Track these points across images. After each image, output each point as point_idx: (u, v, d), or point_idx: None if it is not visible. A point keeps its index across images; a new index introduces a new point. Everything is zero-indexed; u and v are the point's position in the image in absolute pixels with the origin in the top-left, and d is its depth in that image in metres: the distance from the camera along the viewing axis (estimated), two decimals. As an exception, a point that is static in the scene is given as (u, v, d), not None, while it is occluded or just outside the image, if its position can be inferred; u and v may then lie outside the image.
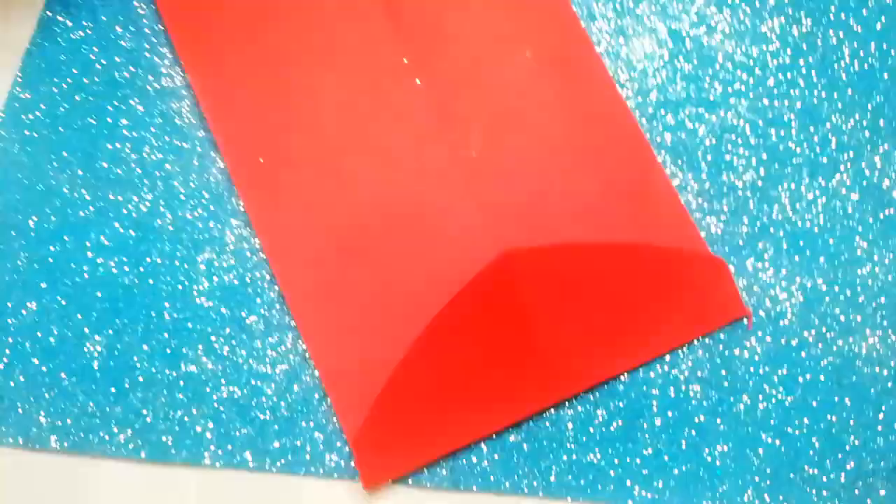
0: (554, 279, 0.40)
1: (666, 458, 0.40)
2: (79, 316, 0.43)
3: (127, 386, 0.42)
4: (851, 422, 0.41)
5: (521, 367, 0.40)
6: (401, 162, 0.44)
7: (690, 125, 0.46)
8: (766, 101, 0.46)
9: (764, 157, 0.45)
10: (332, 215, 0.43)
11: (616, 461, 0.40)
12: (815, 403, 0.41)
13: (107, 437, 0.41)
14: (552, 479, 0.40)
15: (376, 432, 0.39)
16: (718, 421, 0.41)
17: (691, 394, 0.41)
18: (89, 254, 0.44)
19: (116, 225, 0.44)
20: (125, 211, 0.44)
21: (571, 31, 0.46)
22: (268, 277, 0.43)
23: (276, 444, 0.41)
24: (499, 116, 0.45)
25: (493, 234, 0.42)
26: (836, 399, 0.41)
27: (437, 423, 0.40)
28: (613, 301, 0.41)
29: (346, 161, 0.44)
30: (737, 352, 0.42)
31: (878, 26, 0.47)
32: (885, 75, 0.46)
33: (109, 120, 0.46)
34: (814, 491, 0.40)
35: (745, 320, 0.42)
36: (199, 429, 0.41)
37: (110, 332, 0.42)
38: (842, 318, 0.42)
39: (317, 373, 0.42)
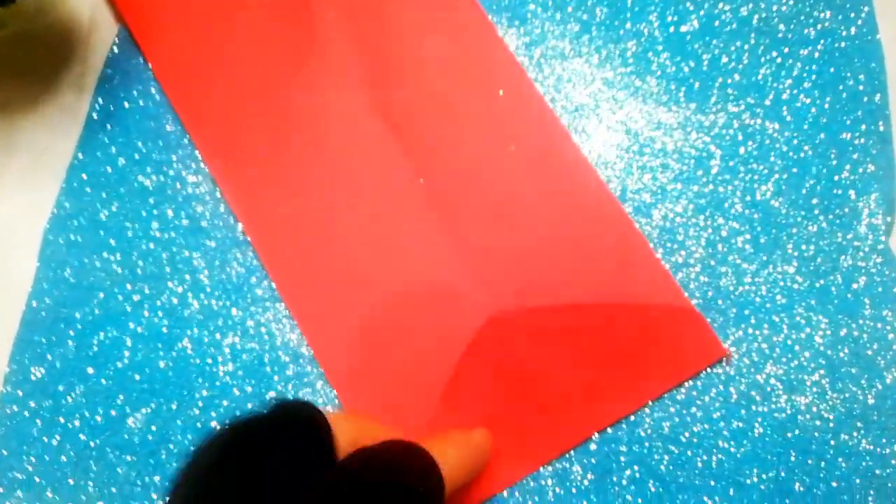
0: (548, 337, 0.47)
1: (634, 507, 0.46)
2: (121, 397, 0.49)
3: (163, 457, 0.48)
4: (797, 471, 0.47)
5: (528, 421, 0.47)
6: (410, 253, 0.50)
7: (646, 210, 0.52)
8: (711, 187, 0.53)
9: (712, 238, 0.52)
10: (357, 303, 0.49)
11: (591, 512, 0.46)
12: (763, 455, 0.47)
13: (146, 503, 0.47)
14: (535, 529, 0.46)
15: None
16: (679, 473, 0.47)
17: (654, 450, 0.47)
18: (129, 341, 0.50)
19: (151, 315, 0.51)
20: (159, 303, 0.51)
21: (549, 126, 0.53)
22: (285, 358, 0.50)
23: None
24: (492, 204, 0.51)
25: (491, 301, 0.48)
26: (782, 451, 0.47)
27: None
28: (604, 354, 0.47)
29: (364, 256, 0.51)
30: (694, 410, 0.48)
31: (809, 116, 0.54)
32: (817, 161, 0.53)
33: (143, 223, 0.53)
34: (769, 536, 0.46)
35: (723, 361, 0.48)
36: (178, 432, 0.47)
37: (148, 409, 0.49)
38: (784, 378, 0.48)
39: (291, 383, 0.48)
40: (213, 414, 0.49)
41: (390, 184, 0.52)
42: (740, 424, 0.47)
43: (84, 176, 0.55)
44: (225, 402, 0.49)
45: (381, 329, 0.49)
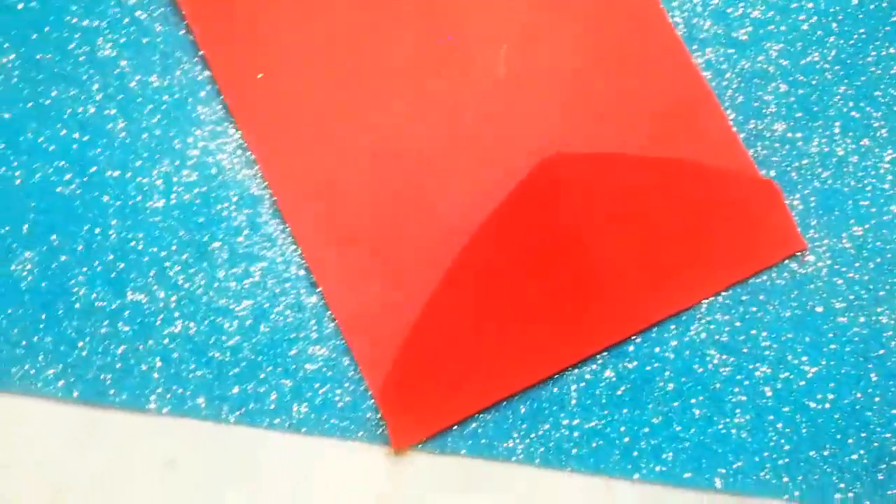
0: (603, 193, 0.36)
1: (677, 427, 0.36)
2: (6, 228, 0.36)
3: (60, 312, 0.35)
4: (877, 398, 0.37)
5: (572, 298, 0.36)
6: (418, 79, 0.38)
7: (719, 66, 0.41)
8: (799, 46, 0.42)
9: (795, 107, 0.41)
10: (344, 134, 0.38)
11: (621, 429, 0.36)
12: (839, 376, 0.37)
13: (32, 372, 0.34)
14: (551, 445, 0.35)
15: (404, 381, 0.34)
16: (736, 390, 0.37)
17: (707, 358, 0.37)
18: (23, 156, 0.37)
19: (58, 126, 0.37)
20: (69, 111, 0.38)
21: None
22: (235, 198, 0.37)
23: (236, 390, 0.35)
24: (527, 31, 0.39)
25: (531, 144, 0.37)
26: (862, 374, 0.37)
27: (470, 372, 0.35)
28: (667, 222, 0.37)
29: (357, 71, 0.38)
30: (759, 314, 0.38)
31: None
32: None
33: (58, 7, 0.39)
34: (834, 472, 0.36)
35: (799, 256, 0.38)
36: (144, 367, 0.35)
37: (44, 248, 0.36)
38: (871, 286, 0.38)
39: (288, 312, 0.36)
40: (133, 263, 0.36)
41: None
42: (815, 337, 0.37)
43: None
44: (151, 249, 0.36)
45: (372, 170, 0.37)
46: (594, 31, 0.40)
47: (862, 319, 0.38)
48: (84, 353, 0.35)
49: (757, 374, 0.37)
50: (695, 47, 0.41)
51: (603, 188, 0.36)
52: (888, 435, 0.37)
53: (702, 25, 0.41)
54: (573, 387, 0.36)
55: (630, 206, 0.37)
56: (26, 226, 0.36)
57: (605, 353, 0.37)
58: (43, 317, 0.35)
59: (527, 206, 0.35)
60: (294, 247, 0.37)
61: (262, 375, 0.35)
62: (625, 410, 0.36)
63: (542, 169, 0.35)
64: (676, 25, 0.41)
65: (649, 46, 0.40)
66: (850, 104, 0.41)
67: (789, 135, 0.40)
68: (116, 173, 0.37)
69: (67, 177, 0.37)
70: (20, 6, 0.39)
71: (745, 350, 0.37)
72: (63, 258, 0.36)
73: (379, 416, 0.35)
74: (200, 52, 0.39)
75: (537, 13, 0.40)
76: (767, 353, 0.37)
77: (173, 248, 0.36)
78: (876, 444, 0.37)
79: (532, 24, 0.40)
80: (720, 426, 0.36)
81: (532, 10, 0.40)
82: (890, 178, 0.40)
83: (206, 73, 0.39)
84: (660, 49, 0.40)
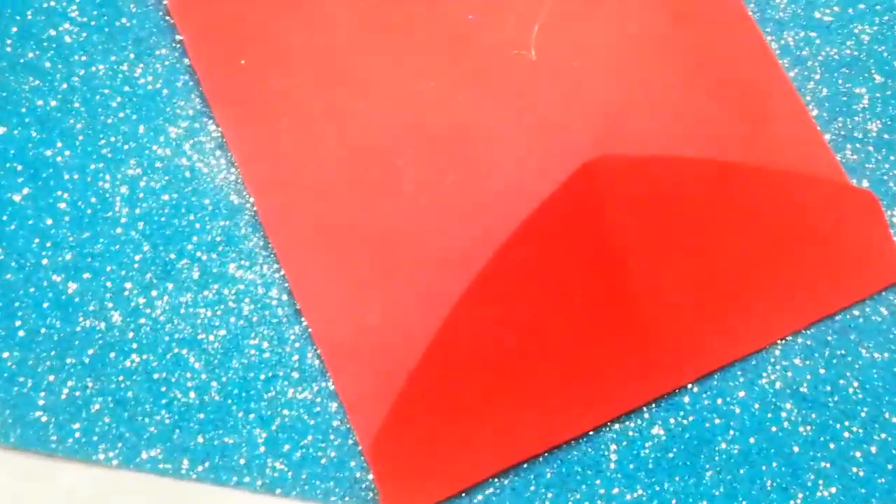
0: (654, 206, 0.29)
1: (743, 501, 0.29)
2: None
3: (2, 335, 0.30)
4: None
5: (612, 336, 0.29)
6: (428, 70, 0.32)
7: (799, 52, 0.34)
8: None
9: (893, 102, 0.33)
10: (339, 132, 0.31)
11: (674, 501, 0.29)
12: (954, 441, 0.29)
13: (-37, 411, 0.29)
14: (583, 519, 0.28)
15: (403, 435, 0.28)
16: (819, 455, 0.29)
17: (782, 414, 0.30)
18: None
19: (13, 121, 0.32)
20: (25, 100, 0.32)
21: None
22: (210, 208, 0.31)
23: (200, 440, 0.29)
24: (563, 5, 0.32)
25: (568, 143, 0.30)
26: (983, 437, 0.30)
27: (486, 425, 0.28)
28: (733, 242, 0.30)
29: (357, 67, 0.32)
30: (849, 359, 0.30)
31: None
32: None
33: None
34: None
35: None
36: (95, 408, 0.29)
37: (-15, 264, 0.31)
38: None
39: (266, 345, 0.30)
40: (87, 283, 0.30)
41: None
42: (926, 388, 0.30)
43: None
44: (108, 267, 0.31)
45: (371, 177, 0.31)
46: (642, 5, 0.33)
47: (981, 367, 0.30)
48: (25, 390, 0.29)
49: (846, 434, 0.30)
50: (768, 29, 0.34)
51: (655, 200, 0.29)
52: None
53: (777, 3, 0.34)
54: (612, 447, 0.29)
55: (687, 223, 0.29)
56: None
57: (652, 406, 0.30)
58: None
59: (558, 223, 0.29)
60: (276, 266, 0.31)
61: (232, 423, 0.29)
62: (677, 478, 0.29)
63: (582, 176, 0.29)
64: (747, 2, 0.34)
65: (712, 25, 0.33)
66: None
67: (886, 136, 0.33)
68: (75, 176, 0.32)
69: (20, 180, 0.32)
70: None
71: (830, 404, 0.30)
72: (7, 276, 0.30)
73: (370, 477, 0.29)
74: (178, 37, 0.33)
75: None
76: (859, 408, 0.30)
77: (135, 266, 0.31)
78: None
79: None
80: (798, 500, 0.29)
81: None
82: None
83: (185, 60, 0.33)
84: (725, 28, 0.33)
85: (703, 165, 0.30)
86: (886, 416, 0.30)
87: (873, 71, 0.34)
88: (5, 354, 0.30)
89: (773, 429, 0.30)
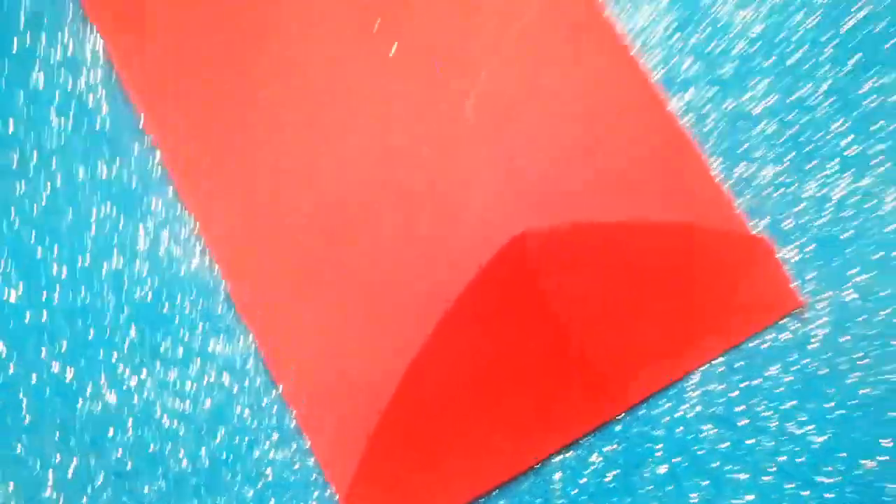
0: (580, 265, 0.33)
1: (673, 514, 0.33)
2: (-51, 340, 0.34)
3: (8, 422, 0.33)
4: (894, 468, 0.34)
5: (545, 384, 0.33)
6: (367, 119, 0.36)
7: (701, 109, 0.38)
8: (789, 79, 0.39)
9: (786, 148, 0.38)
10: (297, 201, 0.36)
11: (612, 520, 0.33)
12: (848, 445, 0.34)
13: (-18, 494, 0.33)
14: (535, 543, 0.33)
15: (373, 485, 0.32)
16: (735, 468, 0.34)
17: (702, 434, 0.34)
18: (-35, 262, 0.35)
19: (2, 225, 0.36)
20: (14, 203, 0.36)
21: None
22: (191, 293, 0.35)
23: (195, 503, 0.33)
24: (498, 76, 0.37)
25: (501, 214, 0.35)
26: (875, 441, 0.34)
27: (447, 467, 0.33)
28: (650, 290, 0.35)
29: (310, 121, 0.36)
30: (756, 382, 0.35)
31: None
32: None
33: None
34: (851, 554, 0.33)
35: (797, 314, 0.35)
36: (99, 482, 0.33)
37: (-10, 360, 0.34)
38: (879, 340, 0.35)
39: (247, 412, 0.34)
40: (83, 367, 0.34)
41: (353, 46, 0.37)
42: (820, 404, 0.34)
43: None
44: (100, 353, 0.34)
45: (330, 243, 0.35)
46: (563, 81, 0.37)
47: (872, 379, 0.35)
48: (34, 473, 0.33)
49: (758, 448, 0.34)
50: (674, 89, 0.38)
51: (578, 261, 0.34)
52: (908, 508, 0.34)
53: (681, 64, 0.39)
54: (557, 475, 0.34)
55: (608, 277, 0.34)
56: (-30, 337, 0.34)
57: (589, 437, 0.34)
58: (-10, 434, 0.33)
59: (497, 288, 0.33)
60: (252, 337, 0.35)
61: (222, 485, 0.33)
62: (615, 499, 0.33)
63: (512, 248, 0.33)
64: (655, 66, 0.38)
65: (621, 96, 0.37)
66: (847, 140, 0.37)
67: (781, 179, 0.37)
68: (65, 271, 0.35)
69: (13, 275, 0.35)
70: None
71: (743, 423, 0.34)
72: (11, 369, 0.34)
73: (348, 523, 0.33)
74: (149, 137, 0.37)
75: (504, 59, 0.37)
76: (769, 423, 0.34)
77: (125, 348, 0.34)
78: (895, 521, 0.33)
79: (499, 70, 0.37)
80: (720, 510, 0.33)
81: (500, 55, 0.37)
82: (895, 218, 0.37)
83: (157, 156, 0.37)
84: (634, 99, 0.37)
85: (617, 227, 0.34)
86: (792, 428, 0.34)
87: (766, 122, 0.38)
88: (15, 442, 0.33)
89: (696, 448, 0.34)
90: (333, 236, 0.35)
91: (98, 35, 0.37)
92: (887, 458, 0.34)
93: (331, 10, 0.37)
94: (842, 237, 0.36)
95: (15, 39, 0.37)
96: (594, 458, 0.34)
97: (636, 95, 0.37)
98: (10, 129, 0.37)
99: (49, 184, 0.37)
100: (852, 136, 0.37)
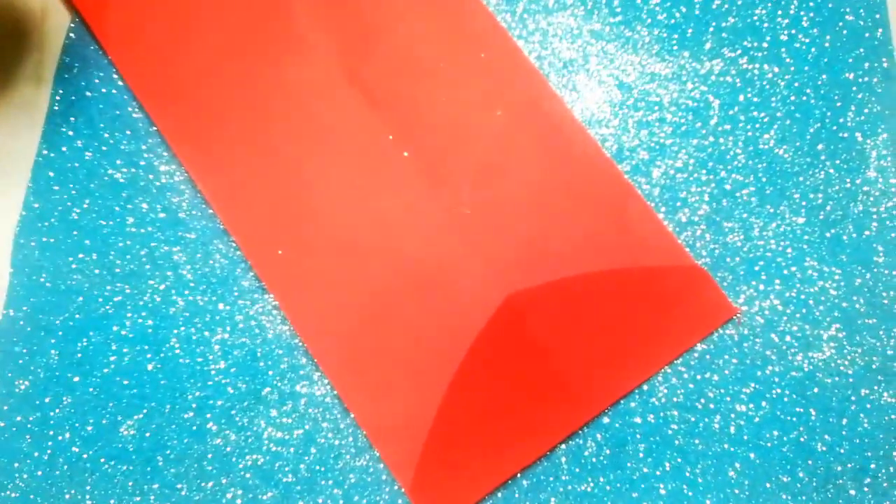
0: (558, 311, 0.45)
1: (652, 480, 0.45)
2: (111, 404, 0.47)
3: (160, 463, 0.46)
4: (817, 430, 0.45)
5: (545, 397, 0.45)
6: (402, 230, 0.48)
7: (645, 168, 0.50)
8: (711, 139, 0.50)
9: (715, 193, 0.49)
10: (351, 288, 0.47)
11: (607, 488, 0.45)
12: (782, 416, 0.45)
13: (147, 513, 0.45)
14: (551, 510, 0.44)
15: (429, 477, 0.44)
16: (696, 441, 0.45)
17: (669, 418, 0.46)
18: (113, 345, 0.48)
19: (134, 316, 0.49)
20: (141, 302, 0.49)
21: (537, 87, 0.50)
22: (279, 351, 0.48)
23: (301, 503, 0.45)
24: (483, 173, 0.48)
25: (496, 280, 0.46)
26: (802, 410, 0.45)
27: (480, 461, 0.44)
28: (614, 322, 0.46)
29: (353, 237, 0.48)
30: (708, 375, 0.46)
31: (809, 57, 0.51)
32: (820, 103, 0.50)
33: (117, 219, 0.50)
34: (789, 497, 0.44)
35: (735, 321, 0.46)
36: (229, 496, 0.45)
37: (140, 415, 0.47)
38: (800, 334, 0.46)
39: (330, 434, 0.46)
40: (208, 416, 0.46)
41: (374, 159, 0.49)
42: (757, 386, 0.46)
43: (51, 173, 0.52)
44: (219, 402, 0.47)
45: (377, 314, 0.47)
46: (537, 170, 0.49)
47: (796, 363, 0.46)
48: (183, 493, 0.45)
49: (714, 426, 0.45)
50: (625, 154, 0.50)
51: (559, 308, 0.45)
52: (831, 459, 0.45)
53: (631, 138, 0.50)
54: (563, 458, 0.45)
55: (583, 316, 0.46)
56: (124, 400, 0.47)
57: (584, 428, 0.46)
58: (148, 469, 0.46)
59: (499, 335, 0.45)
60: (327, 380, 0.47)
61: (318, 488, 0.45)
62: (608, 472, 0.45)
63: (507, 306, 0.45)
64: (605, 139, 0.50)
65: (581, 168, 0.49)
66: (763, 180, 0.49)
67: (713, 217, 0.49)
68: (183, 346, 0.48)
69: (149, 355, 0.48)
70: (89, 226, 0.50)
71: (699, 406, 0.46)
72: (156, 420, 0.47)
73: (412, 507, 0.45)
74: (232, 237, 0.50)
75: (489, 156, 0.49)
76: (719, 405, 0.46)
77: (236, 397, 0.47)
78: (821, 469, 0.44)
79: (485, 166, 0.49)
80: (687, 473, 0.45)
81: (485, 153, 0.49)
82: (805, 237, 0.48)
83: (239, 252, 0.50)
84: (590, 168, 0.48)
85: (587, 278, 0.46)
86: (738, 407, 0.46)
87: (702, 172, 0.50)
88: (166, 472, 0.46)
89: (665, 429, 0.45)
90: (379, 314, 0.47)
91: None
92: (811, 423, 0.45)
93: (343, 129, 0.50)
94: (767, 256, 0.48)
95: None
96: (589, 443, 0.45)
97: (592, 166, 0.49)
98: (128, 243, 0.50)
99: (162, 282, 0.49)
100: (765, 178, 0.49)
